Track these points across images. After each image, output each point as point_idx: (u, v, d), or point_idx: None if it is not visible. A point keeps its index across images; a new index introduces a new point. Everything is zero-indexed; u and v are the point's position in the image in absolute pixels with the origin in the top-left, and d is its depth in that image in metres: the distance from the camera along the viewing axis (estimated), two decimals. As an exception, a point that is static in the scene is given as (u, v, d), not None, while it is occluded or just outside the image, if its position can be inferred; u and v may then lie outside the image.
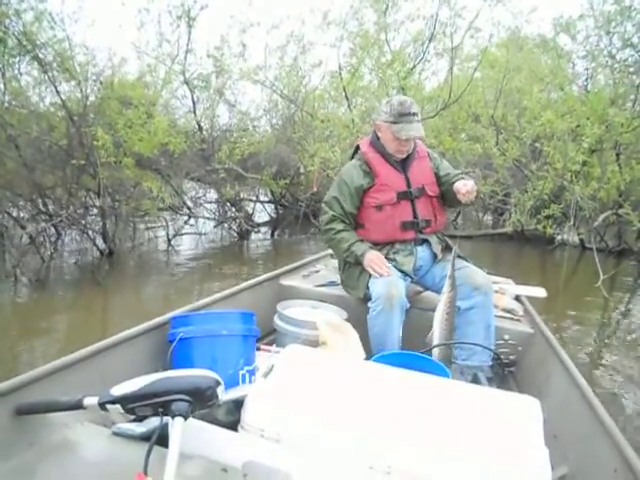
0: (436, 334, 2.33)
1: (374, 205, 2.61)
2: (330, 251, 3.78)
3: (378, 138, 2.66)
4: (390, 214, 2.60)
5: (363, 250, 2.58)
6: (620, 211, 8.65)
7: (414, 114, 2.49)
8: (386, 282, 2.45)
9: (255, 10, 10.15)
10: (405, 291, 2.50)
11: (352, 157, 2.83)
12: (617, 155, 8.41)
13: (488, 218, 12.24)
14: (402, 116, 2.48)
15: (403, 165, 2.64)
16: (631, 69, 8.95)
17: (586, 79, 9.38)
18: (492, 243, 9.47)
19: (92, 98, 6.68)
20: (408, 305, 2.49)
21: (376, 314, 2.39)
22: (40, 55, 6.31)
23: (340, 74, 8.06)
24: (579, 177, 7.98)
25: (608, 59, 9.12)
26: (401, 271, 2.58)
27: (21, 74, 6.82)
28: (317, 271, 3.37)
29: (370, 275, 2.54)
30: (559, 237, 9.07)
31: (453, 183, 2.54)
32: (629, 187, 8.39)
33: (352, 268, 2.69)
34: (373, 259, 2.54)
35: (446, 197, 2.70)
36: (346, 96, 8.32)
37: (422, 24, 8.38)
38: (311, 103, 9.44)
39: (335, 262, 3.38)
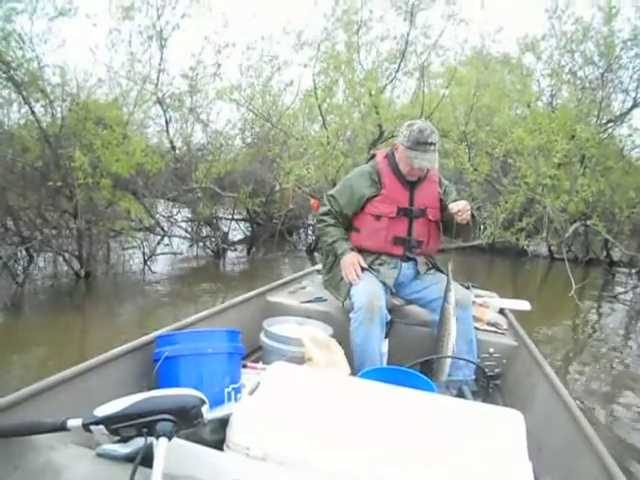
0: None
1: (373, 214, 2.67)
2: (317, 267, 3.86)
3: (394, 155, 2.69)
4: (385, 226, 2.66)
5: (344, 249, 2.69)
6: (589, 222, 8.90)
7: (431, 144, 2.51)
8: (368, 292, 2.50)
9: (230, 30, 10.18)
10: (386, 303, 2.55)
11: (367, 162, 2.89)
12: (583, 169, 8.65)
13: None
14: (419, 144, 2.50)
15: (412, 183, 2.67)
16: (593, 85, 9.28)
17: (550, 96, 9.65)
18: (464, 256, 9.58)
19: (67, 119, 6.60)
20: (389, 317, 2.53)
21: (357, 325, 2.45)
22: (15, 76, 6.24)
23: (315, 93, 8.15)
24: (549, 190, 8.15)
25: (570, 76, 9.44)
26: (383, 283, 2.63)
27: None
28: (303, 287, 3.38)
29: (345, 282, 2.63)
30: (530, 248, 9.25)
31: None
32: (595, 199, 8.61)
33: (336, 269, 2.75)
34: (348, 262, 2.65)
35: (446, 226, 2.71)
36: (321, 114, 8.41)
37: (392, 44, 8.61)
38: (285, 121, 9.54)
39: (321, 278, 3.40)
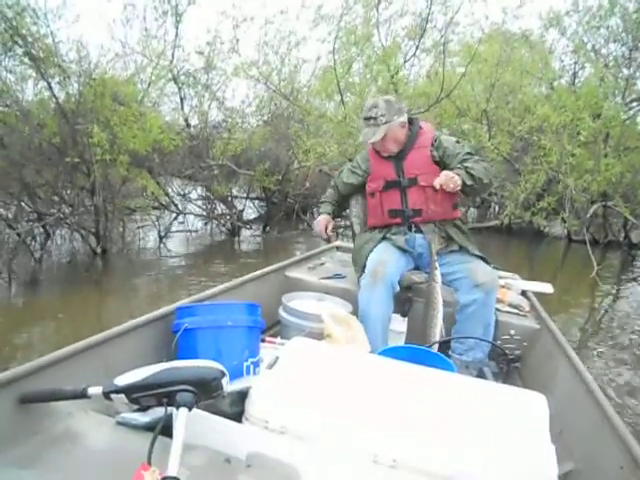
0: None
1: (369, 192, 2.82)
2: (336, 244, 3.86)
3: None
4: (379, 201, 2.77)
5: (321, 211, 3.10)
6: (609, 203, 8.76)
7: (369, 118, 2.62)
8: (376, 260, 2.59)
9: (248, 5, 10.09)
10: (400, 274, 2.63)
11: None
12: (606, 148, 8.50)
13: (473, 211, 12.32)
14: (364, 120, 2.68)
15: (399, 156, 2.71)
16: (618, 62, 9.08)
17: (573, 74, 9.44)
18: (479, 237, 9.51)
19: (85, 95, 6.55)
20: (397, 288, 2.57)
21: (362, 289, 2.55)
22: (33, 51, 6.20)
23: (335, 69, 8.05)
24: (572, 170, 8.02)
25: (593, 53, 9.23)
26: (399, 248, 2.67)
27: (10, 72, 6.69)
28: (322, 264, 3.37)
29: (371, 249, 2.68)
30: (546, 229, 9.14)
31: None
32: (616, 180, 8.45)
33: (359, 238, 2.91)
34: (319, 220, 3.02)
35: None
36: (340, 91, 8.32)
37: (410, 20, 8.48)
38: (303, 98, 9.45)
39: (340, 255, 3.39)
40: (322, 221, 2.99)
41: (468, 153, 2.66)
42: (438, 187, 2.46)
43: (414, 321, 2.59)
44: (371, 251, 2.67)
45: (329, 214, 3.03)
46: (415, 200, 2.68)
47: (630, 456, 1.41)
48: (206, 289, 2.41)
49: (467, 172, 2.51)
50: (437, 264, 2.51)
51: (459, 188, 2.47)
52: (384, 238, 2.74)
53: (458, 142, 2.74)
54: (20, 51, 6.24)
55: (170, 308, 2.03)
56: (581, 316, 5.56)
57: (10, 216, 6.69)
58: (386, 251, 2.65)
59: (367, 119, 2.63)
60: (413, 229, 2.72)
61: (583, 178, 7.90)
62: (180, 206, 9.61)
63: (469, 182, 2.49)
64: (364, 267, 2.62)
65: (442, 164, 2.66)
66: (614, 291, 6.69)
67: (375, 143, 2.65)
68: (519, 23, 9.57)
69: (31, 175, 6.76)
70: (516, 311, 2.84)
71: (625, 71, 9.06)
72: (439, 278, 2.48)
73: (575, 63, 9.59)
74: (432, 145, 2.70)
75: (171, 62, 8.59)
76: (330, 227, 2.98)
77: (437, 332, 2.41)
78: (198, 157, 8.82)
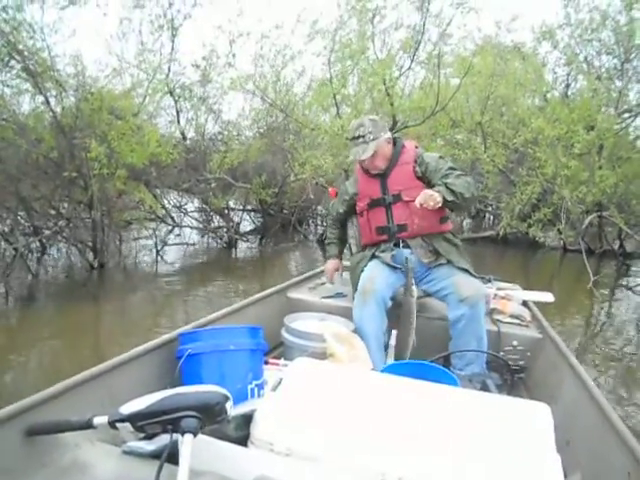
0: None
1: (358, 212, 2.89)
2: None
3: None
4: (366, 219, 2.83)
5: (330, 255, 3.17)
6: (605, 213, 8.81)
7: (357, 137, 2.69)
8: (366, 277, 2.66)
9: (244, 20, 10.16)
10: (393, 290, 2.67)
11: None
12: (600, 159, 8.57)
13: (468, 222, 12.37)
14: (351, 140, 2.75)
15: (383, 174, 2.76)
16: (609, 74, 9.18)
17: (566, 85, 9.54)
18: (475, 247, 9.56)
19: (82, 109, 6.57)
20: (389, 303, 2.62)
21: (354, 307, 2.62)
22: (30, 66, 6.22)
23: (331, 82, 8.10)
24: (567, 181, 8.07)
25: (585, 65, 9.33)
26: (388, 265, 2.70)
27: (7, 86, 6.72)
28: (323, 283, 3.37)
29: (362, 268, 2.74)
30: (541, 240, 9.19)
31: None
32: (611, 190, 8.51)
33: (354, 258, 2.94)
34: (326, 266, 3.15)
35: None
36: (336, 103, 8.36)
37: (405, 33, 8.57)
38: (300, 111, 9.50)
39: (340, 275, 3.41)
40: (330, 268, 3.13)
41: (450, 168, 2.68)
42: (419, 206, 2.48)
43: (417, 336, 2.59)
44: (362, 270, 2.73)
45: (336, 257, 3.14)
46: (400, 215, 2.71)
47: (636, 462, 1.41)
48: (203, 304, 2.42)
49: (447, 188, 2.52)
50: (413, 280, 2.56)
51: (439, 205, 2.49)
52: (373, 256, 2.78)
53: (441, 158, 2.78)
54: (18, 66, 6.27)
55: (172, 335, 2.04)
56: (579, 326, 5.57)
57: (6, 230, 6.69)
58: (376, 268, 2.70)
59: (356, 138, 2.69)
60: (401, 245, 2.75)
61: (578, 189, 7.94)
62: (177, 219, 9.61)
63: (450, 197, 2.51)
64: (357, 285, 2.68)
65: (425, 180, 2.69)
66: (610, 301, 6.70)
67: (365, 160, 2.71)
68: (512, 36, 9.64)
69: (27, 189, 6.75)
70: (517, 321, 2.84)
71: (617, 83, 9.16)
72: (415, 292, 2.53)
73: (568, 75, 9.69)
74: (415, 162, 2.74)
75: (167, 75, 8.65)
76: (340, 270, 3.15)
77: (410, 346, 2.46)
78: (195, 170, 8.86)
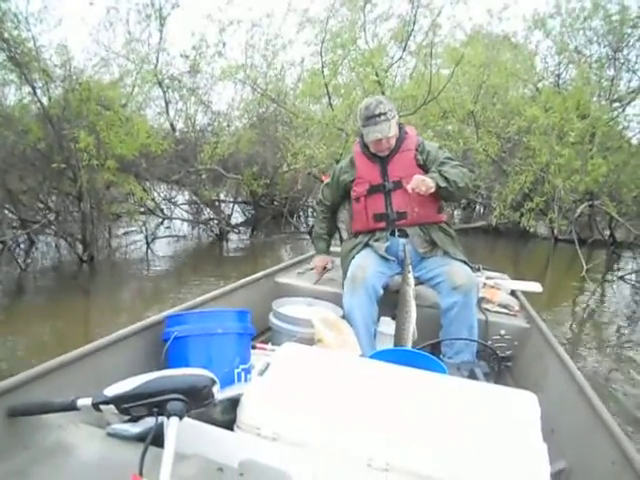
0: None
1: (354, 197, 2.80)
2: None
3: (363, 138, 2.78)
4: (364, 205, 2.76)
5: (317, 250, 3.16)
6: (596, 202, 8.86)
7: (379, 115, 2.58)
8: (355, 265, 2.64)
9: (234, 8, 10.09)
10: (385, 280, 2.67)
11: None
12: (592, 148, 8.60)
13: (458, 213, 12.41)
14: (368, 119, 2.61)
15: (383, 159, 2.71)
16: (600, 63, 9.21)
17: (557, 75, 9.55)
18: (466, 237, 9.59)
19: (70, 100, 6.48)
20: (381, 292, 2.61)
21: (344, 294, 2.61)
22: (17, 57, 6.13)
23: (322, 71, 8.07)
24: (560, 170, 8.10)
25: (576, 55, 9.35)
26: (382, 257, 2.69)
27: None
28: (312, 269, 3.36)
29: (351, 259, 2.72)
30: (533, 229, 9.24)
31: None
32: (603, 179, 8.55)
33: (345, 246, 2.93)
34: (315, 261, 3.15)
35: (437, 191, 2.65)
36: (328, 93, 8.33)
37: (396, 22, 8.55)
38: (291, 101, 9.46)
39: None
40: (319, 263, 3.12)
41: (447, 158, 2.70)
42: (410, 191, 2.47)
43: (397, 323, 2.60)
44: (353, 257, 2.72)
45: (325, 252, 3.13)
46: (399, 203, 2.68)
47: (620, 451, 1.42)
48: (195, 296, 2.40)
49: (441, 175, 2.54)
50: (410, 267, 2.53)
51: (432, 190, 2.48)
52: (367, 245, 2.76)
53: (440, 148, 2.79)
54: (3, 55, 6.18)
55: (159, 317, 2.02)
56: (570, 314, 5.61)
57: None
58: (368, 257, 2.68)
59: (377, 116, 2.58)
60: (396, 233, 2.72)
61: (571, 178, 7.97)
62: (166, 211, 9.56)
63: (443, 184, 2.51)
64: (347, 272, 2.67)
65: (425, 168, 2.67)
66: (602, 289, 6.75)
67: (382, 139, 2.62)
68: (503, 26, 9.65)
69: (14, 182, 6.68)
70: (506, 311, 2.86)
71: (609, 72, 9.21)
72: (412, 281, 2.50)
73: (559, 64, 9.71)
74: (416, 149, 2.71)
75: (156, 66, 8.58)
76: (329, 265, 3.14)
77: (410, 334, 2.43)
78: (185, 161, 8.80)
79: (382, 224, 2.73)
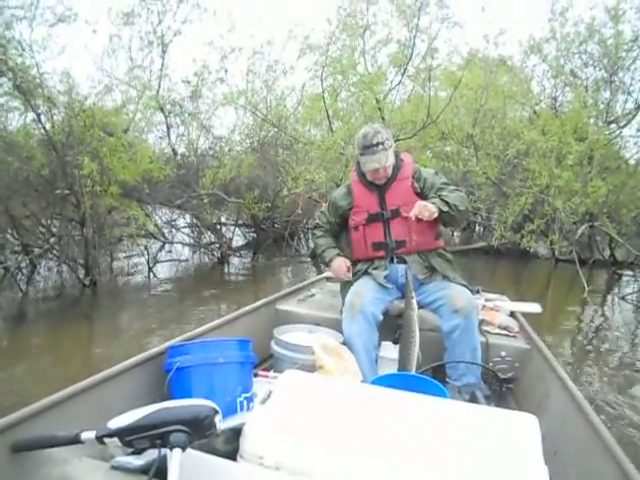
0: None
1: (352, 226, 2.80)
2: (326, 274, 3.86)
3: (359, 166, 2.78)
4: (362, 234, 2.77)
5: (331, 257, 2.88)
6: (596, 223, 8.90)
7: (377, 144, 2.59)
8: (353, 292, 2.65)
9: (235, 36, 10.27)
10: (385, 306, 2.68)
11: None
12: (590, 170, 8.66)
13: (457, 234, 12.45)
14: (365, 148, 2.63)
15: (381, 187, 2.73)
16: (596, 86, 9.32)
17: (553, 98, 9.65)
18: (467, 259, 9.63)
19: (74, 126, 6.56)
20: (380, 317, 2.60)
21: (343, 322, 2.60)
22: (22, 84, 6.21)
23: (323, 96, 8.17)
24: (560, 192, 8.15)
25: (572, 78, 9.46)
26: (380, 285, 2.69)
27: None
28: (312, 295, 3.39)
29: (350, 287, 2.71)
30: (532, 250, 9.27)
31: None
32: (602, 200, 8.60)
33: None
34: (336, 266, 2.84)
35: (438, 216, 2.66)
36: (328, 118, 8.43)
37: (395, 48, 8.67)
38: (291, 126, 9.56)
39: (330, 285, 3.40)
40: (342, 264, 2.83)
41: (444, 183, 2.73)
42: (413, 218, 2.49)
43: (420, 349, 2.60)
44: (352, 285, 2.73)
45: (340, 255, 2.88)
46: (398, 232, 2.69)
47: (622, 474, 1.42)
48: (197, 323, 2.42)
49: (442, 200, 2.57)
50: (413, 293, 2.52)
51: (435, 216, 2.52)
52: (366, 272, 2.76)
53: (436, 174, 2.82)
54: (9, 83, 6.28)
55: (161, 348, 2.03)
56: (572, 335, 5.58)
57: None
58: (366, 283, 2.69)
59: (375, 145, 2.59)
60: (395, 260, 2.74)
61: (572, 200, 8.02)
62: (168, 235, 9.59)
63: (445, 209, 2.54)
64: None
65: (423, 196, 2.69)
66: (603, 310, 6.74)
67: (380, 169, 2.64)
68: (500, 50, 9.76)
69: (17, 207, 6.72)
70: (506, 332, 2.87)
71: (605, 94, 9.32)
72: (415, 306, 2.49)
73: (555, 87, 9.82)
74: (413, 177, 2.73)
75: (157, 92, 8.70)
76: (348, 263, 2.85)
77: (414, 358, 2.41)
78: (187, 186, 8.86)
79: (381, 253, 2.75)
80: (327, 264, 2.92)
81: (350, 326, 2.54)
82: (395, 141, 7.72)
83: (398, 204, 2.68)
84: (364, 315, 2.53)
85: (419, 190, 2.71)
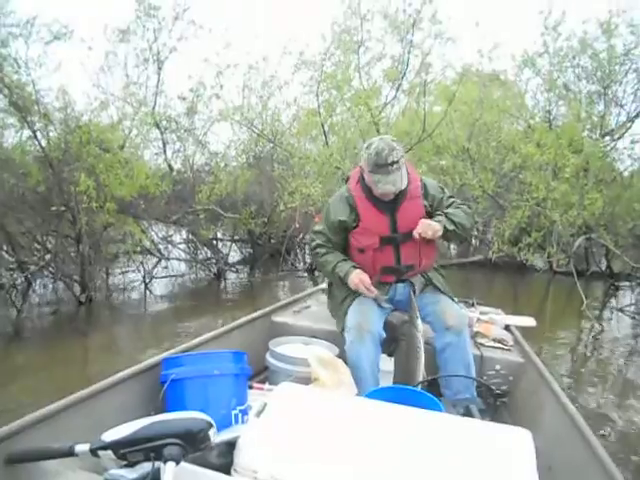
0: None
1: (357, 247, 2.57)
2: (321, 286, 3.83)
3: (364, 178, 2.54)
4: (371, 259, 2.56)
5: (346, 270, 2.54)
6: (593, 235, 8.93)
7: (392, 163, 2.33)
8: (358, 312, 2.49)
9: (231, 52, 10.37)
10: (383, 321, 2.56)
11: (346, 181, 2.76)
12: (587, 182, 8.72)
13: (454, 247, 12.48)
14: (379, 167, 2.35)
15: (391, 206, 2.51)
16: (589, 99, 9.41)
17: (547, 111, 9.74)
18: (464, 272, 9.64)
19: (70, 143, 6.59)
20: (384, 335, 2.50)
21: (349, 344, 2.43)
22: (18, 101, 6.25)
23: (319, 112, 8.23)
24: (557, 205, 8.20)
25: (565, 91, 9.56)
26: (379, 305, 2.61)
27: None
28: (308, 307, 3.38)
29: (350, 304, 2.56)
30: (529, 263, 9.31)
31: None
32: (599, 212, 8.64)
33: (337, 295, 2.72)
34: (356, 280, 2.50)
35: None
36: (324, 133, 8.47)
37: (389, 63, 8.77)
38: (287, 140, 9.61)
39: (326, 297, 3.40)
40: (363, 277, 2.51)
41: (450, 197, 2.67)
42: (417, 236, 2.41)
43: (400, 360, 2.60)
44: (349, 306, 2.57)
45: (355, 266, 2.57)
46: (409, 256, 2.57)
47: None
48: (192, 338, 2.41)
49: (447, 218, 2.51)
50: (418, 313, 2.45)
51: (439, 235, 2.46)
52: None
53: (440, 186, 2.72)
54: (5, 100, 6.32)
55: (156, 359, 2.03)
56: (571, 348, 5.58)
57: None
58: (367, 301, 2.55)
59: (389, 164, 2.33)
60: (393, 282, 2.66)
61: (569, 213, 8.06)
62: (163, 251, 9.58)
63: (451, 227, 2.49)
64: (345, 321, 2.54)
65: (432, 214, 2.57)
66: (601, 323, 6.73)
67: (395, 191, 2.43)
68: (493, 64, 9.83)
69: (12, 224, 6.69)
70: (500, 346, 2.86)
71: (599, 107, 9.42)
72: (420, 327, 2.43)
73: (549, 102, 9.88)
74: (423, 195, 2.58)
75: (153, 108, 8.76)
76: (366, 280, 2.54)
77: (419, 376, 2.37)
78: (184, 202, 8.87)
79: (391, 278, 2.62)
80: (342, 279, 2.56)
81: (360, 348, 2.39)
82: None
83: (411, 227, 2.47)
84: (372, 336, 2.42)
85: (429, 209, 2.59)
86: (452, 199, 2.68)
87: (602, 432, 3.35)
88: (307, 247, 11.28)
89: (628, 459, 3.11)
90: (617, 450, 3.16)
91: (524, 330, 3.14)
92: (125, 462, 1.23)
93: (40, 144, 6.51)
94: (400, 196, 2.49)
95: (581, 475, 1.67)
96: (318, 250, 2.68)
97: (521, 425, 1.59)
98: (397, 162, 2.35)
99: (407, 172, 2.50)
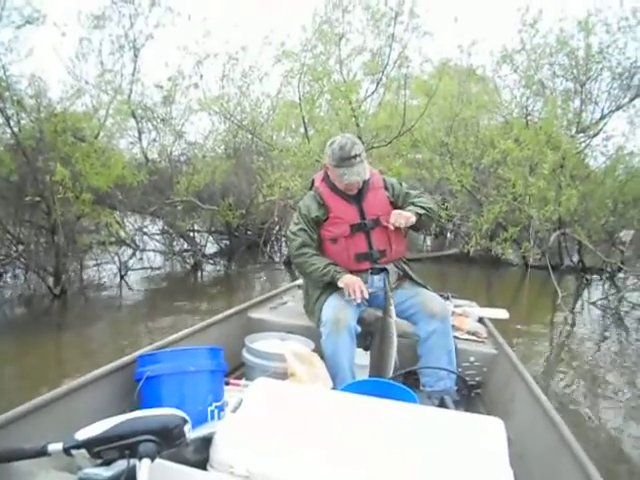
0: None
1: (329, 238, 2.70)
2: (297, 282, 3.84)
3: (328, 176, 2.74)
4: (344, 246, 2.68)
5: (340, 273, 2.61)
6: (567, 230, 9.09)
7: (355, 156, 2.54)
8: (334, 307, 2.56)
9: (210, 41, 10.24)
10: (358, 316, 2.63)
11: (310, 188, 2.90)
12: (562, 178, 8.86)
13: (429, 241, 12.60)
14: (343, 160, 2.55)
15: (357, 197, 2.69)
16: (565, 96, 9.55)
17: (524, 107, 9.85)
18: (440, 265, 9.74)
19: (45, 131, 6.41)
20: (358, 329, 2.57)
21: (325, 338, 2.50)
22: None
23: (300, 104, 8.19)
24: (534, 200, 8.32)
25: (541, 88, 9.68)
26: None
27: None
28: (284, 303, 3.39)
29: (325, 300, 2.64)
30: (503, 257, 9.46)
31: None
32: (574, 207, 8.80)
33: (312, 292, 2.79)
34: (350, 282, 2.56)
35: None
36: (304, 125, 8.45)
37: (368, 56, 8.77)
38: (267, 133, 9.55)
39: (302, 293, 3.42)
40: (356, 284, 2.56)
41: (409, 188, 2.83)
42: (391, 226, 2.54)
43: (375, 353, 2.63)
44: (325, 301, 2.64)
45: (345, 271, 2.65)
46: (380, 241, 2.69)
47: (585, 476, 1.46)
48: (169, 331, 2.40)
49: (416, 205, 2.65)
50: (392, 300, 2.54)
51: (412, 222, 2.57)
52: (338, 288, 2.62)
53: (400, 184, 2.87)
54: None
55: (131, 357, 2.02)
56: (544, 340, 5.69)
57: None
58: (341, 299, 2.60)
59: (353, 157, 2.54)
60: (369, 271, 2.73)
61: (545, 208, 8.18)
62: (139, 242, 9.44)
63: (422, 212, 2.62)
64: (321, 315, 2.60)
65: (395, 204, 2.74)
66: (574, 315, 6.87)
67: (359, 181, 2.61)
68: (472, 60, 9.90)
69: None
70: (474, 338, 2.91)
71: (574, 104, 9.57)
72: (394, 313, 2.52)
73: (526, 97, 9.99)
74: (384, 186, 2.77)
75: (129, 96, 8.60)
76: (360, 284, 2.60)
77: (391, 365, 2.45)
78: (161, 193, 8.76)
79: (366, 264, 2.71)
80: (334, 280, 2.61)
81: (336, 342, 2.45)
82: (370, 149, 7.86)
83: (377, 213, 2.67)
84: (348, 329, 2.49)
85: (392, 199, 2.75)
86: (414, 190, 2.84)
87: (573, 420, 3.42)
88: (284, 239, 11.27)
89: (598, 446, 3.20)
90: (587, 438, 3.24)
91: (497, 322, 3.20)
92: (100, 460, 1.22)
93: (13, 132, 6.33)
94: (363, 188, 2.68)
95: (552, 463, 1.71)
96: (304, 250, 2.72)
97: (494, 415, 1.63)
98: (359, 155, 2.57)
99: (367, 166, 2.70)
